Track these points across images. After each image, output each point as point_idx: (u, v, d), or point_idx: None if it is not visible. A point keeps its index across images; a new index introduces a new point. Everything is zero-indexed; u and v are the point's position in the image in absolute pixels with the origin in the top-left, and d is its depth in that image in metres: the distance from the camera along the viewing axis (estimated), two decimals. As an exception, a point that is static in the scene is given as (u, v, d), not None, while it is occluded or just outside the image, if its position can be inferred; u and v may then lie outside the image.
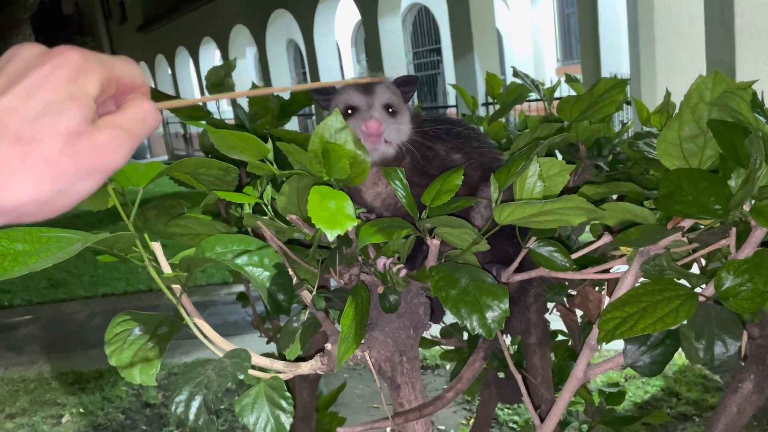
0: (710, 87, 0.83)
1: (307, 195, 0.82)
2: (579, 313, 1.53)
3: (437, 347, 1.68)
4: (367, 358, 1.01)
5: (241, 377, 0.79)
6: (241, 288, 1.87)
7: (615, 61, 7.76)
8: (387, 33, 10.66)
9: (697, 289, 0.83)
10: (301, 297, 0.99)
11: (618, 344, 0.88)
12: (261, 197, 0.95)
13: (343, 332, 0.90)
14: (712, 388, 3.18)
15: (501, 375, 1.68)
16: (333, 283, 1.14)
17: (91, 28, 23.92)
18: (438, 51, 15.55)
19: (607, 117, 1.23)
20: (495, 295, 0.84)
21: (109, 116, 0.45)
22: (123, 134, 0.44)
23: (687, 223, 0.85)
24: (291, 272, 0.93)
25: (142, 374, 0.85)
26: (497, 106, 1.56)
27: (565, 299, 1.44)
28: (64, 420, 3.68)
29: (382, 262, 0.97)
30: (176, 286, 0.86)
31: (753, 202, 0.76)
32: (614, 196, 1.25)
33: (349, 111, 1.03)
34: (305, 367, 0.97)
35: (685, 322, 0.78)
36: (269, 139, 0.90)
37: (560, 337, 1.71)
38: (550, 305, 1.47)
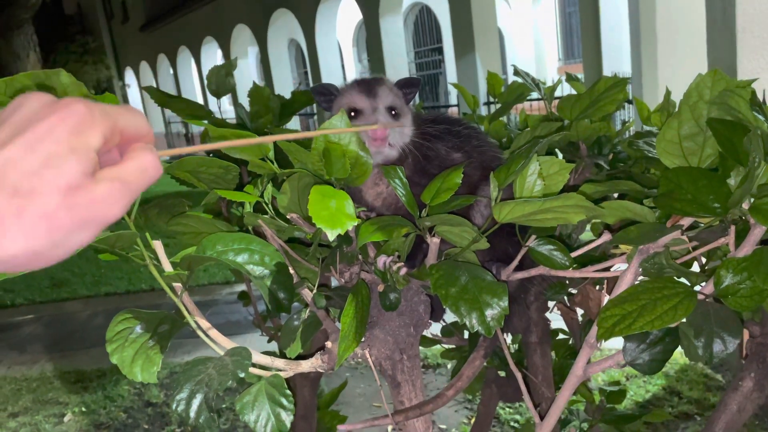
0: (709, 85, 0.83)
1: (307, 194, 0.83)
2: (580, 311, 1.53)
3: (438, 346, 1.69)
4: (368, 356, 1.02)
5: (242, 375, 0.80)
6: (242, 287, 1.87)
7: (617, 60, 7.76)
8: (388, 32, 10.65)
9: (697, 287, 0.84)
10: (302, 295, 0.99)
11: (618, 342, 0.88)
12: (262, 196, 0.96)
13: (344, 330, 0.91)
14: (714, 387, 3.18)
15: (502, 374, 1.69)
16: (333, 282, 1.15)
17: (92, 28, 23.93)
18: (439, 50, 15.55)
19: (607, 116, 1.23)
20: (494, 293, 0.84)
21: (109, 168, 0.45)
22: (122, 187, 0.45)
23: (686, 222, 0.85)
24: (292, 271, 0.94)
25: (144, 371, 0.86)
26: (499, 106, 1.56)
27: (565, 298, 1.44)
28: (66, 419, 3.69)
29: (382, 260, 0.98)
30: (177, 285, 0.86)
31: (752, 200, 0.76)
32: (615, 195, 1.25)
33: (352, 114, 1.03)
34: (306, 366, 0.98)
35: (684, 319, 0.78)
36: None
37: (561, 336, 1.71)
38: (550, 304, 1.47)
